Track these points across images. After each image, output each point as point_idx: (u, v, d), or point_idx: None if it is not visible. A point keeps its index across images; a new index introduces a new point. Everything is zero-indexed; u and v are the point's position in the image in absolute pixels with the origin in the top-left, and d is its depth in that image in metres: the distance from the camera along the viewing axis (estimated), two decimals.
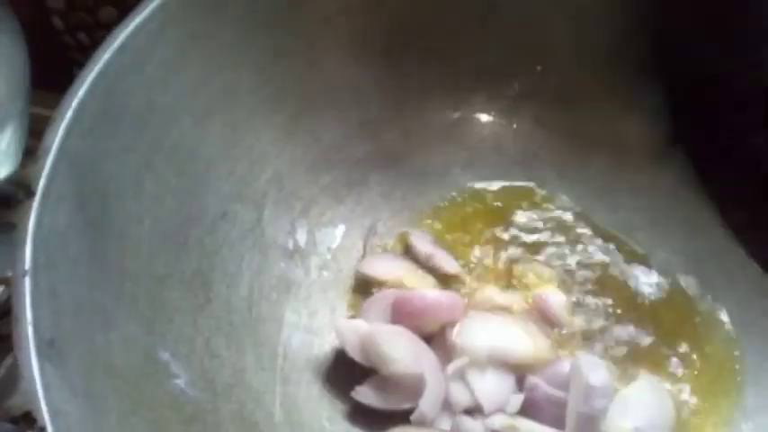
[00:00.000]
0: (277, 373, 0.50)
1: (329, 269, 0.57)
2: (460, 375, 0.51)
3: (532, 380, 0.51)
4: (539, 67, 0.61)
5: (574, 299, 0.57)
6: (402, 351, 0.51)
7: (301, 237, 0.57)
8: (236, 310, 0.50)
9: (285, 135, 0.56)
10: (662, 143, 0.61)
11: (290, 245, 0.56)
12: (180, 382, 0.43)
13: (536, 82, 0.61)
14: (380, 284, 0.56)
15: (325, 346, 0.54)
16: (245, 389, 0.48)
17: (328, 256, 0.57)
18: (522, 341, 0.52)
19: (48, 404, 0.31)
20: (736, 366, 0.54)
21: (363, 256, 0.58)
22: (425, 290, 0.55)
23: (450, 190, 0.62)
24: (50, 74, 0.59)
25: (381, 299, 0.54)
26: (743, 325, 0.55)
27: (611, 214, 0.61)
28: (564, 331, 0.55)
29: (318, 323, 0.54)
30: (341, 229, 0.59)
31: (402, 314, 0.53)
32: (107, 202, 0.42)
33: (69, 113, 0.40)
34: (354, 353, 0.51)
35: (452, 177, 0.62)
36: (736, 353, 0.54)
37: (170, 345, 0.44)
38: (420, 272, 0.57)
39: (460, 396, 0.51)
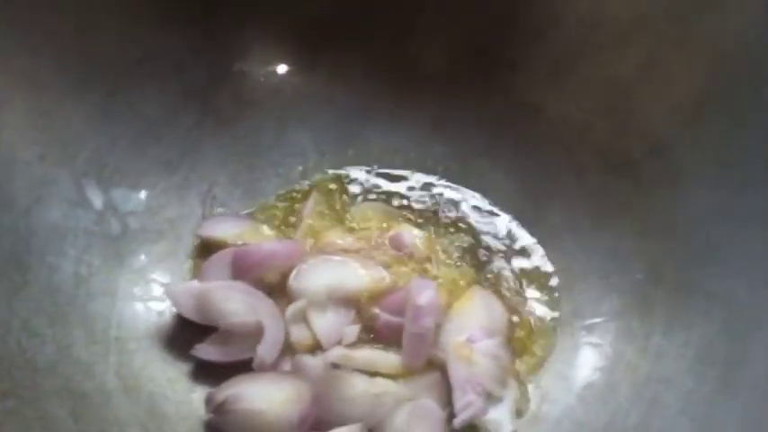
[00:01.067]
0: (111, 343, 0.51)
1: (167, 238, 0.58)
2: (301, 317, 0.52)
3: (373, 311, 0.52)
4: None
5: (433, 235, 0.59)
6: (236, 303, 0.52)
7: (134, 210, 0.57)
8: (59, 290, 0.51)
9: (101, 113, 0.56)
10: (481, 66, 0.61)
11: (122, 219, 0.56)
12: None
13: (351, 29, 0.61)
14: (221, 246, 0.57)
15: (165, 312, 0.54)
16: (72, 363, 0.48)
17: (165, 226, 0.58)
18: (358, 276, 0.54)
19: None
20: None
21: (203, 219, 0.59)
22: (261, 242, 0.56)
23: (286, 150, 0.63)
24: None
25: (220, 258, 0.56)
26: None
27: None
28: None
29: (157, 291, 0.55)
30: (177, 198, 0.59)
31: (242, 269, 0.54)
32: None
33: None
34: (190, 314, 0.52)
35: (287, 135, 0.63)
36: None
37: None
38: (260, 228, 0.58)
39: (301, 336, 0.52)
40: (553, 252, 0.58)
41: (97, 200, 0.55)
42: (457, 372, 0.50)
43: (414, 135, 0.63)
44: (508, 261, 0.58)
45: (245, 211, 0.60)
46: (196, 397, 0.51)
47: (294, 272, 0.54)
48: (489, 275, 0.57)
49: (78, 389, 0.47)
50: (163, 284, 0.55)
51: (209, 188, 0.60)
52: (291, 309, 0.52)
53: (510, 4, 0.57)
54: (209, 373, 0.52)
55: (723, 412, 0.45)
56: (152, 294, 0.55)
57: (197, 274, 0.56)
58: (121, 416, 0.48)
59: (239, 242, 0.57)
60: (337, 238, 0.58)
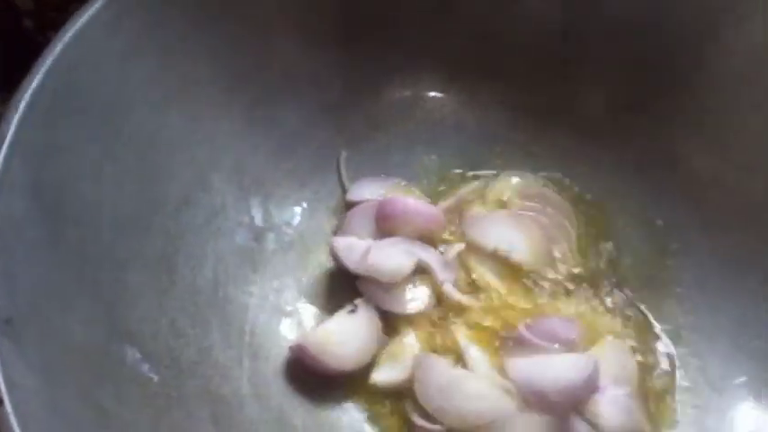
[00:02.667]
0: (244, 349, 0.52)
1: (295, 249, 0.58)
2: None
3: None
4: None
5: None
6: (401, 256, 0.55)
7: (266, 219, 0.58)
8: (201, 292, 0.52)
9: (246, 122, 0.57)
10: (624, 115, 0.61)
11: (256, 227, 0.57)
12: (142, 359, 0.44)
13: (495, 61, 0.62)
14: None
15: (291, 322, 0.55)
16: (212, 365, 0.49)
17: (294, 237, 0.59)
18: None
19: (4, 378, 0.32)
20: None
21: (344, 189, 0.61)
22: (408, 197, 0.58)
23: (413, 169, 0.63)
24: (22, 75, 0.60)
25: (364, 209, 0.58)
26: None
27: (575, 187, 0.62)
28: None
29: (285, 300, 0.56)
30: (306, 210, 0.60)
31: (385, 218, 0.56)
32: (64, 190, 0.44)
33: (23, 105, 0.41)
34: (355, 266, 0.54)
35: (415, 156, 0.63)
36: None
37: (133, 325, 0.46)
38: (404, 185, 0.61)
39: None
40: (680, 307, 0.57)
41: (236, 207, 0.56)
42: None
43: (542, 171, 0.63)
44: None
45: None
46: (322, 410, 0.52)
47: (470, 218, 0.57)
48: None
49: (217, 392, 0.48)
50: (298, 296, 0.56)
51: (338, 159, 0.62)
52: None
53: (661, 55, 0.57)
54: (335, 386, 0.52)
55: None
56: (280, 303, 0.56)
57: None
58: (254, 422, 0.49)
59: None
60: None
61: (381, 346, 0.53)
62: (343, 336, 0.52)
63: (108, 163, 0.47)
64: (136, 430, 0.40)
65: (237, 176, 0.57)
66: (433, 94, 0.64)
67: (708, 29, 0.55)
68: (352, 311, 0.53)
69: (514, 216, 0.58)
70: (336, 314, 0.53)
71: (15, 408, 0.32)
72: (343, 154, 0.62)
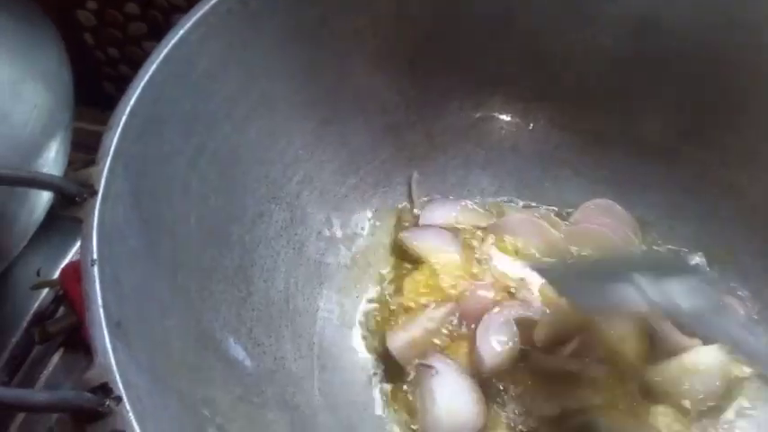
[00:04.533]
0: (314, 360, 0.54)
1: (357, 265, 0.60)
2: None
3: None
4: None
5: None
6: None
7: (331, 234, 0.60)
8: (274, 303, 0.53)
9: (315, 140, 0.59)
10: (676, 139, 0.63)
11: (321, 242, 0.59)
12: (236, 362, 0.46)
13: (551, 85, 0.64)
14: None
15: (355, 334, 0.57)
16: (286, 375, 0.51)
17: (357, 253, 0.61)
18: None
19: (121, 376, 0.34)
20: None
21: (413, 208, 0.63)
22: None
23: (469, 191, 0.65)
24: (84, 89, 0.63)
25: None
26: None
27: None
28: None
29: (349, 313, 0.58)
30: (368, 226, 0.62)
31: None
32: (159, 201, 0.45)
33: (123, 119, 0.43)
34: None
35: (473, 177, 0.65)
36: None
37: (217, 333, 0.47)
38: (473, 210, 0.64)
39: None
40: None
41: (304, 221, 0.58)
42: None
43: (593, 195, 0.64)
44: None
45: None
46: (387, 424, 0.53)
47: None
48: None
49: (292, 401, 0.50)
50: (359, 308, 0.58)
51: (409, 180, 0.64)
52: None
53: (718, 82, 0.59)
54: (400, 401, 0.54)
55: None
56: (345, 316, 0.58)
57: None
58: (328, 430, 0.50)
59: (459, 226, 0.62)
60: None
61: None
62: None
63: (194, 176, 0.49)
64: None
65: (306, 192, 0.59)
66: (490, 115, 0.66)
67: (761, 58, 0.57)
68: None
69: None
70: None
71: (132, 405, 0.33)
72: (415, 175, 0.63)
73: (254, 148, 0.54)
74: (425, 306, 0.57)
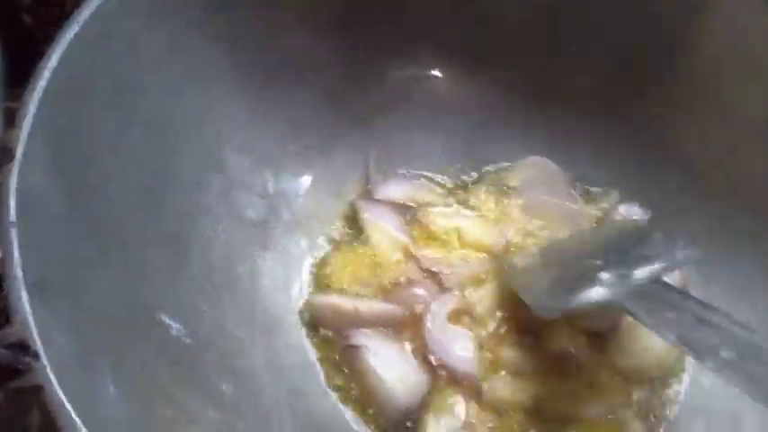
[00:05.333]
0: (257, 326, 0.53)
1: (301, 231, 0.60)
2: None
3: None
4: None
5: None
6: None
7: (273, 201, 0.60)
8: (214, 270, 0.53)
9: (253, 106, 0.59)
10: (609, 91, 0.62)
11: (263, 208, 0.59)
12: (165, 330, 0.45)
13: (482, 40, 0.63)
14: None
15: (300, 297, 0.57)
16: (228, 341, 0.51)
17: (300, 218, 0.61)
18: None
19: (40, 333, 0.34)
20: None
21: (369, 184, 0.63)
22: None
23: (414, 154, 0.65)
24: (21, 70, 0.61)
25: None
26: None
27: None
28: None
29: (292, 277, 0.58)
30: (311, 193, 0.62)
31: None
32: (85, 167, 0.45)
33: (42, 83, 0.42)
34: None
35: (417, 139, 0.65)
36: None
37: (153, 300, 0.47)
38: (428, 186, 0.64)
39: None
40: None
41: (244, 187, 0.58)
42: None
43: (536, 148, 0.65)
44: None
45: None
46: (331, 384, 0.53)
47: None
48: None
49: (233, 365, 0.50)
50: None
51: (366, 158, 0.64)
52: None
53: (649, 38, 0.59)
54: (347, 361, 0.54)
55: None
56: (289, 279, 0.57)
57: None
58: (270, 394, 0.50)
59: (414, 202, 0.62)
60: None
61: None
62: None
63: (123, 144, 0.48)
64: (160, 391, 0.41)
65: (245, 160, 0.58)
66: (432, 74, 0.66)
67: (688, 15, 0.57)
68: None
69: None
70: None
71: (52, 361, 0.33)
72: (373, 152, 0.64)
73: (188, 116, 0.54)
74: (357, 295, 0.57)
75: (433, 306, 0.56)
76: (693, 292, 0.55)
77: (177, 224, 0.51)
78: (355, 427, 0.52)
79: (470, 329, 0.55)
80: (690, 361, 0.55)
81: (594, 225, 0.62)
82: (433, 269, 0.59)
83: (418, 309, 0.56)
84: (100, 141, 0.46)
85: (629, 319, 0.52)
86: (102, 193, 0.45)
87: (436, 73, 0.65)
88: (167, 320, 0.46)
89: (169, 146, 0.52)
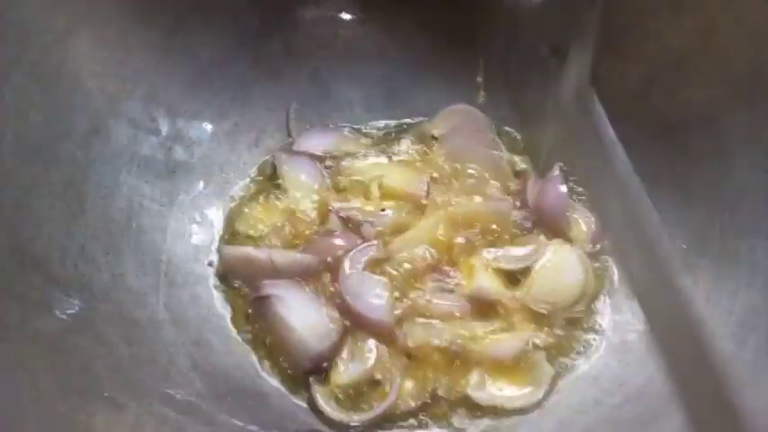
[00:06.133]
0: (161, 277, 0.52)
1: (215, 182, 0.59)
2: None
3: None
4: None
5: None
6: None
7: (183, 151, 0.58)
8: (114, 221, 0.52)
9: (160, 51, 0.56)
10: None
11: (172, 160, 0.57)
12: (48, 282, 0.44)
13: None
14: None
15: (211, 248, 0.56)
16: (125, 291, 0.49)
17: (215, 169, 0.59)
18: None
19: None
20: None
21: (290, 137, 0.62)
22: None
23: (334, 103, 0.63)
24: None
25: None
26: None
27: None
28: None
29: (206, 230, 0.56)
30: (227, 142, 0.60)
31: None
32: None
33: None
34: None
35: (338, 87, 0.63)
36: None
37: (39, 250, 0.45)
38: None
39: None
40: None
41: (149, 137, 0.56)
42: None
43: (461, 95, 0.63)
44: None
45: None
46: (241, 334, 0.52)
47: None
48: None
49: (130, 316, 0.49)
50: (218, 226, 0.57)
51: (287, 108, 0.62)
52: None
53: None
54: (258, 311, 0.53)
55: (763, 376, 0.46)
56: (202, 232, 0.56)
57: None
58: (170, 345, 0.49)
59: (336, 153, 0.61)
60: None
61: None
62: None
63: (7, 90, 0.46)
64: (39, 348, 0.40)
65: (151, 107, 0.56)
66: (348, 18, 0.63)
67: None
68: None
69: None
70: None
71: None
72: (294, 105, 0.62)
73: (83, 61, 0.52)
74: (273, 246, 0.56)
75: (350, 255, 0.54)
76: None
77: (72, 174, 0.50)
78: (264, 374, 0.51)
79: (388, 278, 0.54)
80: (601, 304, 0.54)
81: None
82: (353, 219, 0.57)
83: (336, 259, 0.54)
84: None
85: (542, 261, 0.53)
86: None
87: (351, 16, 0.63)
88: (58, 270, 0.45)
89: (63, 94, 0.50)
